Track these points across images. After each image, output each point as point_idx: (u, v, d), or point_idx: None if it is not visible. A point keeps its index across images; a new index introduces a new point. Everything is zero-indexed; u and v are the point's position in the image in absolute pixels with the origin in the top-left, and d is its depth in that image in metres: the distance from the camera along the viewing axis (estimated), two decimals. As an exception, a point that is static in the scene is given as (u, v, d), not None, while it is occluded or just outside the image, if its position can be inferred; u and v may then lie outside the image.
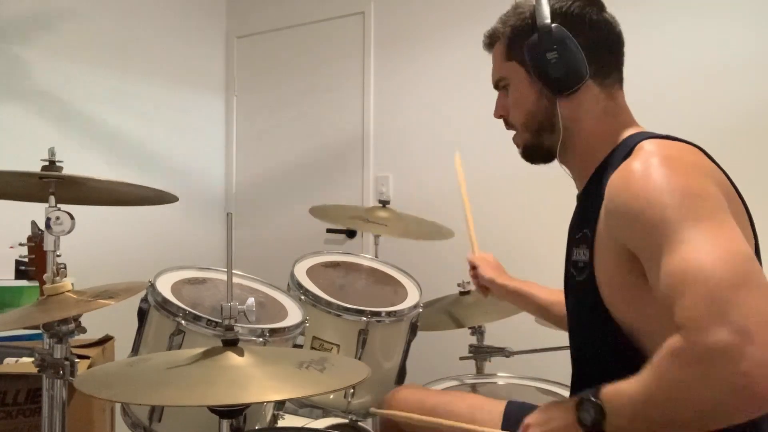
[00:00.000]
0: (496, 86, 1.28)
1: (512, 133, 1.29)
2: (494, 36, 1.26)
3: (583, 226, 1.14)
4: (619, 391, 0.94)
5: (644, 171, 1.00)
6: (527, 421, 1.09)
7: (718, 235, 0.90)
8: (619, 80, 1.20)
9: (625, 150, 1.10)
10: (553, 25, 1.13)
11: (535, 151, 1.24)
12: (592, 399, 0.96)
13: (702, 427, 0.87)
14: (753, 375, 0.79)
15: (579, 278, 1.15)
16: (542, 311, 1.59)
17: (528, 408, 1.38)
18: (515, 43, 1.20)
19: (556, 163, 1.26)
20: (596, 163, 1.16)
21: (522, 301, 1.61)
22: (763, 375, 0.79)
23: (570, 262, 1.20)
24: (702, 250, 0.88)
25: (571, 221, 1.24)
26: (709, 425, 0.87)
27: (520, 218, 2.67)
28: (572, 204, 1.26)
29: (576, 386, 1.23)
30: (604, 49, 1.17)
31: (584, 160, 1.19)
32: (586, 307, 1.14)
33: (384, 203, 2.42)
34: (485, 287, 1.66)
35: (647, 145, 1.06)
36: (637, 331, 1.06)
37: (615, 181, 1.04)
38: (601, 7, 1.18)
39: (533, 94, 1.19)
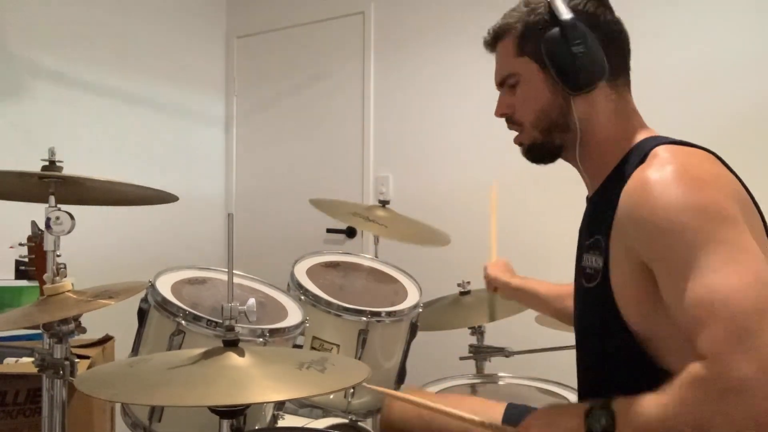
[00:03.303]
0: (501, 84, 1.24)
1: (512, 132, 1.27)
2: (501, 32, 1.21)
3: (595, 231, 1.12)
4: (634, 406, 0.93)
5: (662, 183, 0.98)
6: (528, 421, 1.08)
7: (740, 262, 0.90)
8: (628, 82, 1.19)
9: (639, 155, 1.08)
10: (578, 22, 1.11)
11: (543, 150, 1.20)
12: (605, 409, 0.96)
13: None
14: None
15: (589, 285, 1.13)
16: (543, 305, 1.60)
17: (528, 411, 1.38)
18: (529, 37, 1.16)
19: (563, 164, 1.24)
20: (609, 166, 1.14)
21: (524, 297, 1.62)
22: None
23: (580, 269, 1.18)
24: (727, 279, 0.88)
25: (582, 224, 1.23)
26: None
27: (521, 218, 2.67)
28: (576, 204, 1.26)
29: (585, 394, 1.22)
30: (615, 50, 1.15)
31: (597, 163, 1.16)
32: (597, 314, 1.12)
33: (384, 203, 2.42)
34: (492, 285, 1.69)
35: (662, 152, 1.04)
36: (651, 339, 1.05)
37: (631, 191, 1.02)
38: (611, 9, 1.17)
39: (547, 91, 1.16)
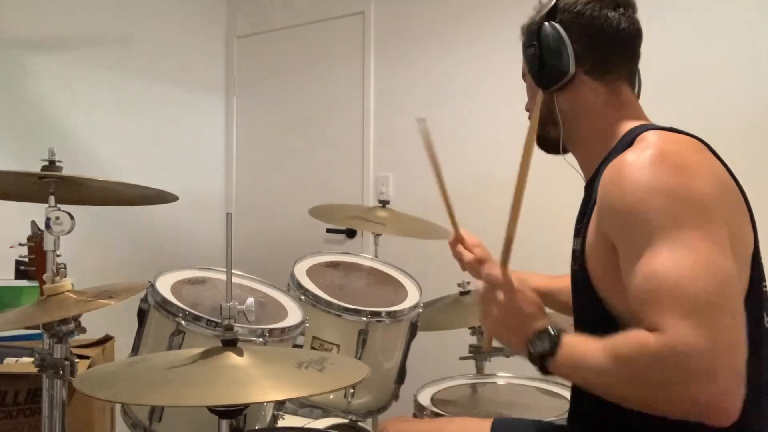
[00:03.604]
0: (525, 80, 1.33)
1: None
2: (521, 34, 1.29)
3: (583, 216, 1.16)
4: (579, 348, 0.97)
5: (635, 166, 1.00)
6: (487, 313, 1.10)
7: (701, 248, 0.90)
8: (626, 75, 1.21)
9: (626, 142, 1.10)
10: (546, 23, 1.17)
11: (545, 142, 1.26)
12: (554, 336, 0.99)
13: (637, 409, 0.91)
14: (711, 398, 0.83)
15: (574, 267, 1.17)
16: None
17: (513, 423, 1.38)
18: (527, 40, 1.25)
19: (563, 161, 1.28)
20: (601, 155, 1.17)
21: None
22: (720, 402, 0.83)
23: (572, 252, 1.21)
24: (685, 261, 0.89)
25: (578, 212, 1.25)
26: (647, 411, 0.91)
27: (522, 218, 2.67)
28: (576, 201, 1.26)
29: None
30: (602, 45, 1.17)
31: (589, 153, 1.21)
32: (582, 295, 1.15)
33: (384, 203, 2.42)
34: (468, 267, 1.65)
35: (649, 136, 1.06)
36: (630, 320, 1.05)
37: (607, 174, 1.05)
38: (609, 5, 1.18)
39: (536, 89, 1.22)
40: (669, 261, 0.90)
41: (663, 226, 0.93)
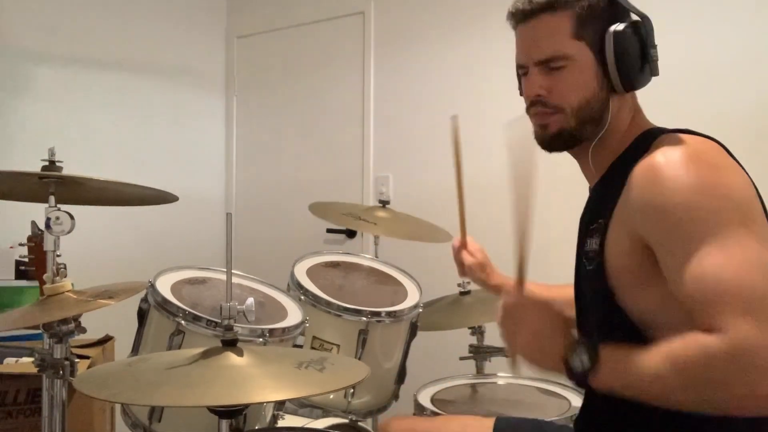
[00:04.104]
0: (544, 62, 1.12)
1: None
2: (556, 4, 1.10)
3: (598, 216, 1.12)
4: (626, 357, 0.93)
5: (672, 165, 0.99)
6: (511, 339, 1.05)
7: (749, 244, 0.90)
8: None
9: (644, 143, 1.08)
10: (642, 20, 1.10)
11: (570, 139, 1.15)
12: (591, 348, 0.95)
13: (694, 410, 0.89)
14: None
15: (589, 267, 1.13)
16: None
17: (515, 423, 1.38)
18: (589, 23, 1.09)
19: (563, 159, 1.24)
20: (614, 156, 1.14)
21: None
22: None
23: (582, 253, 1.18)
24: (736, 258, 0.88)
25: (584, 212, 1.23)
26: (703, 412, 0.88)
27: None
28: (579, 201, 1.26)
29: None
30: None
31: (603, 154, 1.16)
32: (595, 296, 1.12)
33: (384, 203, 2.42)
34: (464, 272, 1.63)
35: (672, 138, 1.05)
36: (647, 321, 1.05)
37: (641, 173, 1.02)
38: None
39: (595, 83, 1.11)
40: (720, 259, 0.89)
41: (710, 226, 0.92)
